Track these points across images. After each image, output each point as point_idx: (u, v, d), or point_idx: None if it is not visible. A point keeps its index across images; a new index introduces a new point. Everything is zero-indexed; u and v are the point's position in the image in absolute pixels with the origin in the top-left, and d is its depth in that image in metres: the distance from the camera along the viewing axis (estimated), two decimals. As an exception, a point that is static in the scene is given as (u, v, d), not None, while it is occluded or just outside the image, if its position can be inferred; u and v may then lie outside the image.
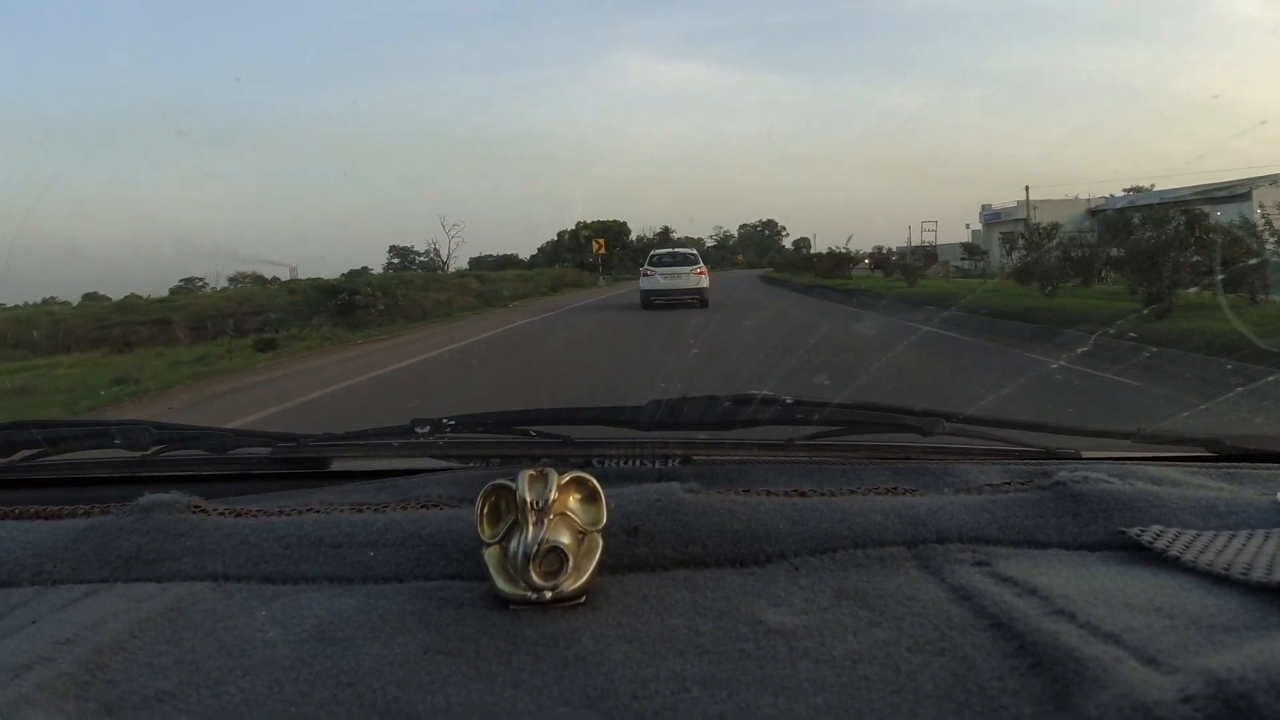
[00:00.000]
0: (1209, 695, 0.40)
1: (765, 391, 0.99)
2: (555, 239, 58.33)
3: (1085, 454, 0.96)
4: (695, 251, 19.62)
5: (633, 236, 60.49)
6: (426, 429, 0.99)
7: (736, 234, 75.66)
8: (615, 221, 58.84)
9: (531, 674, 0.50)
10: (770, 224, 77.95)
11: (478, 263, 51.23)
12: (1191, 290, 9.14)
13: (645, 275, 18.09)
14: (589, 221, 57.48)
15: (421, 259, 50.68)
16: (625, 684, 0.49)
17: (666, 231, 63.37)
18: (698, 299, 17.15)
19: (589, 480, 0.62)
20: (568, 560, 0.58)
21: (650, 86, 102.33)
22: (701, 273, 17.84)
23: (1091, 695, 0.43)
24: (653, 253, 19.64)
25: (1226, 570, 0.59)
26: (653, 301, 17.46)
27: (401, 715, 0.46)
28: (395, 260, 58.02)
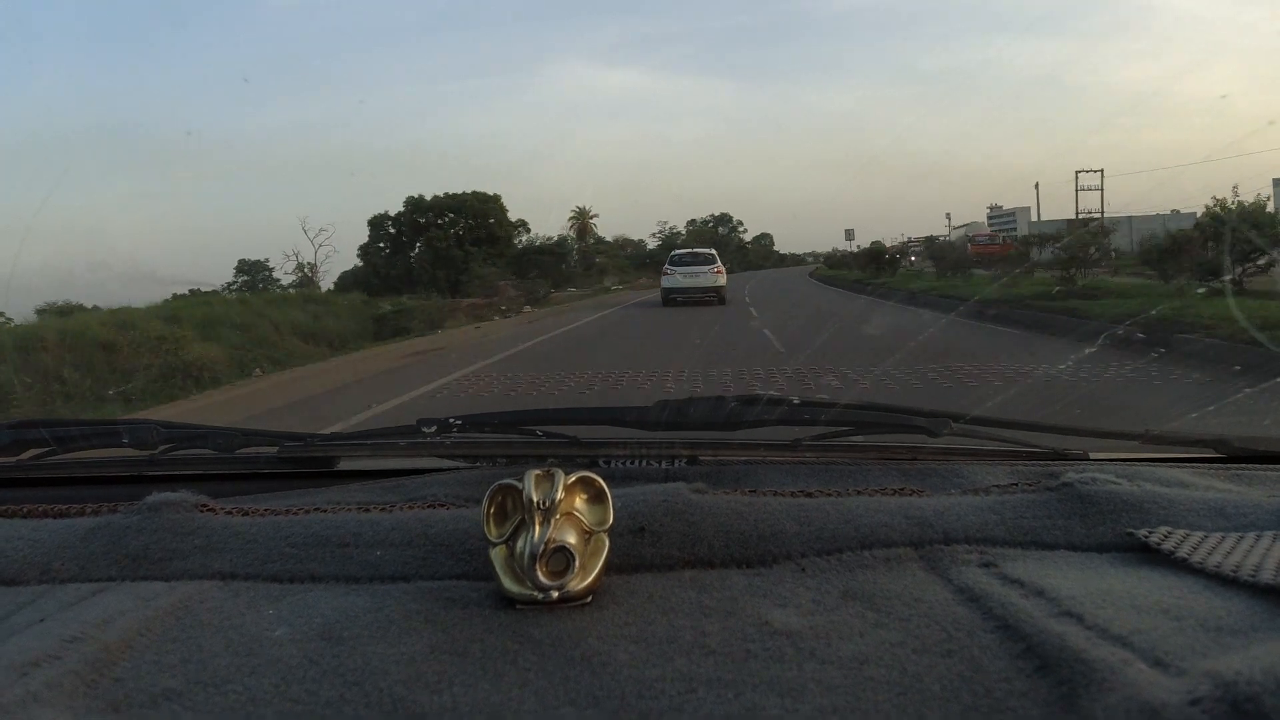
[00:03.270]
0: (1216, 698, 0.40)
1: (772, 392, 0.99)
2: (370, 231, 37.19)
3: (1093, 455, 0.96)
4: (714, 252, 20.95)
5: (549, 235, 43.21)
6: (433, 429, 0.99)
7: (685, 231, 61.82)
8: (474, 193, 36.91)
9: (537, 674, 0.50)
10: (724, 218, 66.46)
11: (347, 278, 36.19)
12: None
13: (666, 274, 19.79)
14: (429, 197, 36.70)
15: (282, 274, 35.51)
16: (631, 684, 0.49)
17: (583, 215, 49.34)
18: (716, 296, 18.40)
19: (595, 480, 0.62)
20: (574, 560, 0.58)
21: (591, 93, 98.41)
22: (719, 271, 19.28)
23: (1099, 697, 0.43)
24: (673, 253, 21.63)
25: (1235, 572, 0.58)
26: (674, 299, 18.80)
27: (408, 714, 0.47)
28: (244, 277, 41.82)
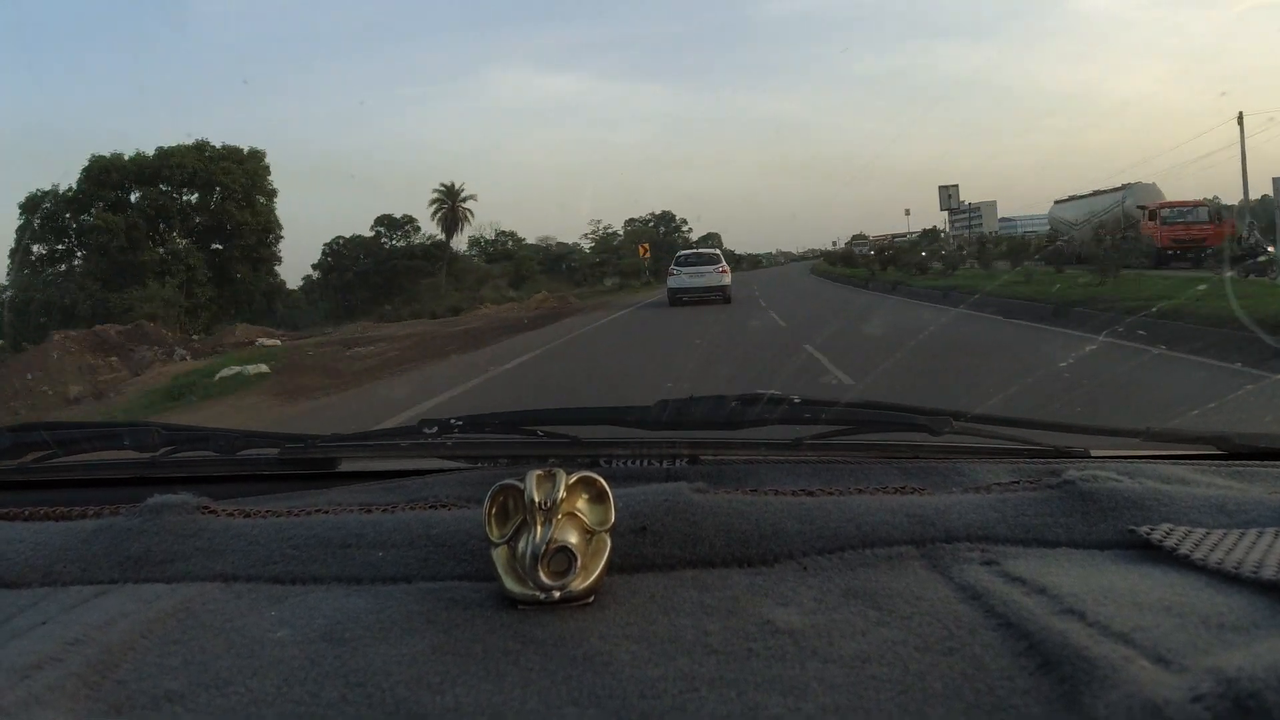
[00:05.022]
0: (1219, 694, 0.40)
1: (773, 391, 0.99)
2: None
3: (1094, 452, 0.96)
4: (718, 252, 21.75)
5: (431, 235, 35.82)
6: (434, 430, 1.00)
7: (623, 231, 52.22)
8: (195, 146, 21.21)
9: (540, 674, 0.50)
10: (666, 217, 57.27)
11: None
12: None
13: (672, 275, 20.20)
14: (106, 158, 20.35)
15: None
16: (633, 684, 0.49)
17: (451, 195, 36.18)
18: (721, 295, 18.92)
19: (597, 480, 0.62)
20: (576, 560, 0.58)
21: (529, 99, 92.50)
22: (724, 271, 19.93)
23: (1101, 695, 0.43)
24: (679, 254, 22.08)
25: (1236, 569, 0.58)
26: (680, 299, 19.23)
27: (410, 715, 0.47)
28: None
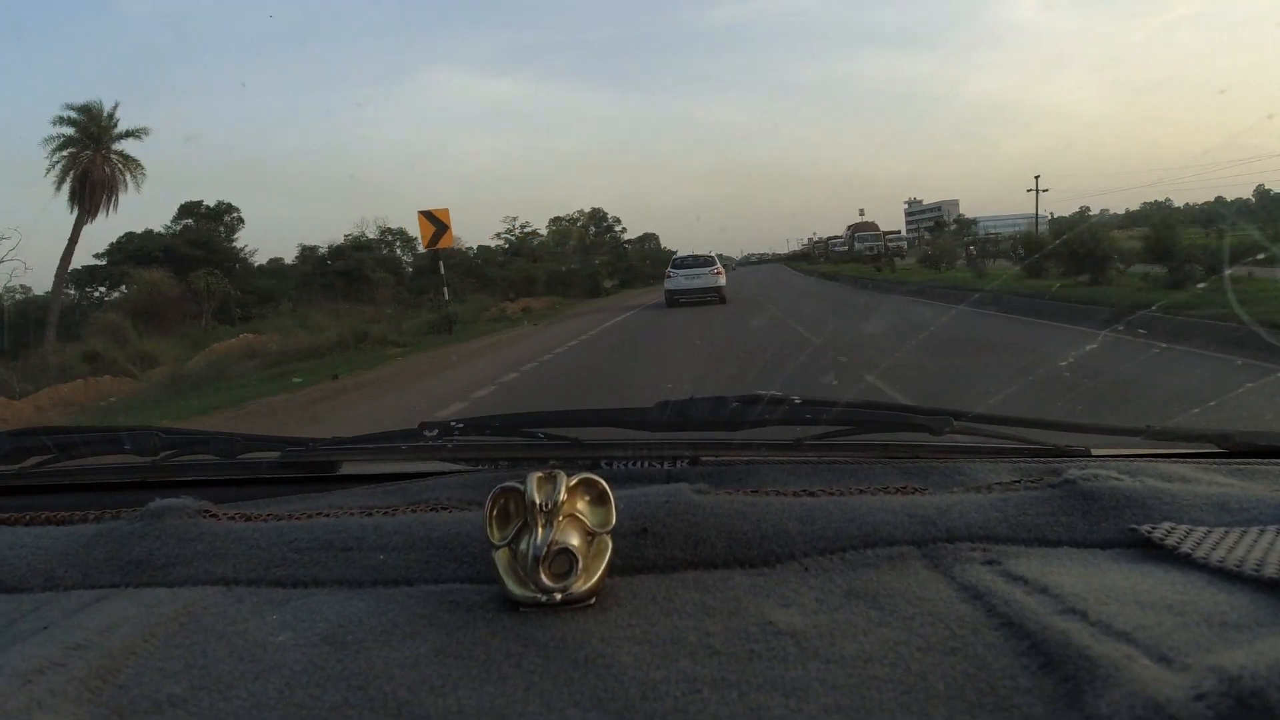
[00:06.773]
0: (1221, 693, 0.40)
1: (773, 392, 0.99)
2: None
3: (1095, 451, 0.96)
4: (714, 255, 22.00)
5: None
6: (435, 432, 1.00)
7: (546, 230, 46.61)
8: None
9: (542, 676, 0.50)
10: (598, 215, 50.97)
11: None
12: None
13: (669, 277, 20.80)
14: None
15: None
16: (635, 685, 0.49)
17: (90, 136, 21.66)
18: (716, 296, 19.57)
19: (598, 482, 0.62)
20: (577, 562, 0.58)
21: (461, 102, 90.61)
22: (719, 273, 20.40)
23: (1103, 694, 0.43)
24: (675, 257, 22.45)
25: (1238, 567, 0.58)
26: (677, 300, 19.90)
27: (412, 718, 0.47)
28: None
